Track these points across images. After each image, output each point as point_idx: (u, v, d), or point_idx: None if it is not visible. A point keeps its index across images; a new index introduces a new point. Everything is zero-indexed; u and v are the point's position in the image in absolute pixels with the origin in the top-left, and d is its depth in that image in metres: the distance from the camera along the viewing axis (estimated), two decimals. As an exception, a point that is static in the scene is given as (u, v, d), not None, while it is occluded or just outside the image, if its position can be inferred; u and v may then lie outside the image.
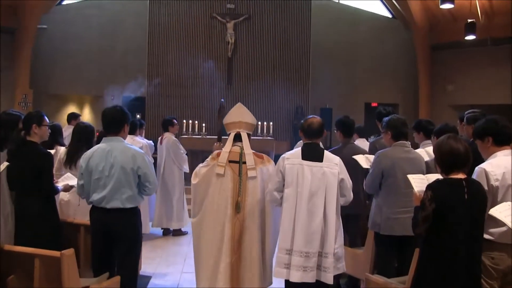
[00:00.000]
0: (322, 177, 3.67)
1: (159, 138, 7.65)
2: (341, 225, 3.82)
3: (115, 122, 3.85)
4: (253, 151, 3.98)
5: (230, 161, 3.90)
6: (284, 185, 3.72)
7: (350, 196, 3.84)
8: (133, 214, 3.81)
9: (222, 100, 5.56)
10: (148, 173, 3.79)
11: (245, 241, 3.81)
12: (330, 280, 3.62)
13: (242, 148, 3.95)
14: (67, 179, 4.35)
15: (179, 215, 7.47)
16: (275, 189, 3.76)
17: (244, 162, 3.89)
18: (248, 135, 4.05)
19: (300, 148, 3.83)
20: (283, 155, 3.81)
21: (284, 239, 3.65)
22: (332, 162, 3.73)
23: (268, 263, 3.95)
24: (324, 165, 3.70)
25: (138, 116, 11.28)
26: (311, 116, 3.97)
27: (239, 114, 4.09)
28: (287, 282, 3.71)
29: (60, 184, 4.22)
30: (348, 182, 3.78)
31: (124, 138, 3.92)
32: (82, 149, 4.32)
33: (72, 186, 4.27)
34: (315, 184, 3.65)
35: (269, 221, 3.95)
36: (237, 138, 4.01)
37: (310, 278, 3.59)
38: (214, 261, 3.80)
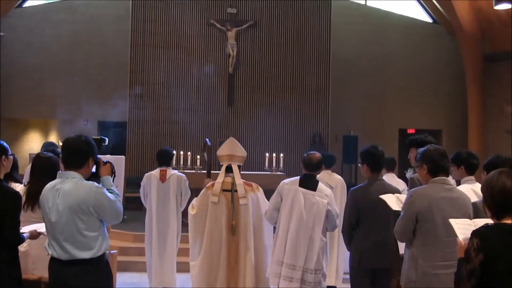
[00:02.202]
0: (313, 204, 5.30)
1: (156, 174, 7.52)
2: (327, 248, 5.57)
3: (76, 155, 3.83)
4: (243, 181, 5.53)
5: (223, 190, 5.45)
6: (281, 206, 5.35)
7: (336, 224, 5.45)
8: (96, 268, 3.77)
9: (207, 140, 7.75)
10: (103, 212, 3.76)
11: (241, 260, 5.34)
12: None
13: (233, 178, 5.51)
14: (35, 226, 4.37)
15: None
16: (274, 208, 5.40)
17: (236, 190, 5.44)
18: (239, 166, 5.63)
19: (299, 177, 5.46)
20: (283, 181, 5.53)
21: (278, 252, 5.30)
22: (323, 192, 5.38)
23: (262, 278, 5.45)
24: (317, 194, 5.33)
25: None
26: (313, 152, 5.67)
27: (231, 149, 5.65)
28: None
29: (26, 231, 4.24)
30: (335, 213, 5.38)
31: (86, 176, 3.92)
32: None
33: (40, 233, 4.29)
34: (306, 209, 5.28)
35: (261, 241, 5.49)
36: (229, 169, 5.56)
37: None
38: (213, 275, 5.31)
